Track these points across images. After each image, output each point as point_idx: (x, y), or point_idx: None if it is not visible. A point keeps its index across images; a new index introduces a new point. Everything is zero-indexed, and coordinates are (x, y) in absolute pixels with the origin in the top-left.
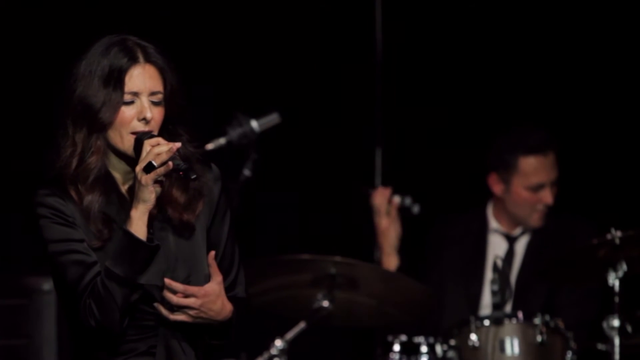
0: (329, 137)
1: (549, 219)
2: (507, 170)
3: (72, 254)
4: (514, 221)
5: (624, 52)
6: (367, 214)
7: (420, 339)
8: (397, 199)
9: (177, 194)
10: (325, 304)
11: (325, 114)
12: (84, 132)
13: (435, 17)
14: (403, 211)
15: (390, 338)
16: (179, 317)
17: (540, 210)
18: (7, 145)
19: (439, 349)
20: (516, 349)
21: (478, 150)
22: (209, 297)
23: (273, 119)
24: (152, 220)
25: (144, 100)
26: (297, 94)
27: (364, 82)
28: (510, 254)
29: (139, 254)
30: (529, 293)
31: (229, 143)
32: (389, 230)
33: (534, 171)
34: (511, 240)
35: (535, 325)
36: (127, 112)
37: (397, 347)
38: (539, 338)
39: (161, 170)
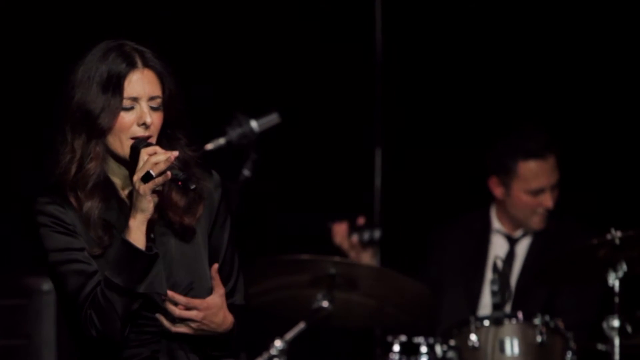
0: (329, 137)
1: (550, 222)
2: (507, 174)
3: (73, 263)
4: (516, 223)
5: (621, 53)
6: (368, 213)
7: (420, 339)
8: (354, 238)
9: (177, 198)
10: (325, 304)
11: (325, 114)
12: (83, 138)
13: (435, 17)
14: (367, 244)
15: (390, 338)
16: (181, 329)
17: (540, 213)
18: (7, 145)
19: (438, 349)
20: (516, 349)
21: (478, 150)
22: (211, 310)
23: (273, 119)
24: (153, 225)
25: (144, 105)
26: (297, 94)
27: (364, 82)
28: (511, 255)
29: (138, 264)
30: (529, 295)
31: (229, 143)
32: (361, 259)
33: (533, 176)
34: (512, 241)
35: (535, 326)
36: (126, 117)
37: (396, 347)
38: (538, 338)
39: (159, 180)
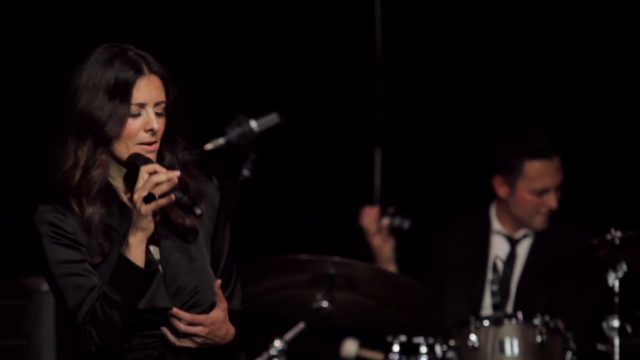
0: (328, 137)
1: (552, 223)
2: (512, 173)
3: (72, 277)
4: (517, 223)
5: (622, 54)
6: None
7: (419, 339)
8: (385, 221)
9: None
10: (325, 304)
11: (325, 114)
12: (89, 145)
13: (435, 17)
14: (394, 230)
15: (389, 338)
16: (185, 343)
17: (544, 213)
18: (7, 145)
19: (438, 349)
20: (516, 350)
21: (478, 150)
22: (215, 325)
23: (272, 119)
24: (156, 228)
25: (150, 111)
26: (297, 94)
27: (364, 82)
28: (512, 256)
29: (137, 282)
30: (530, 296)
31: (228, 143)
32: (383, 247)
33: (539, 176)
34: (513, 242)
35: (535, 326)
36: (133, 124)
37: (396, 348)
38: (538, 338)
39: (162, 202)
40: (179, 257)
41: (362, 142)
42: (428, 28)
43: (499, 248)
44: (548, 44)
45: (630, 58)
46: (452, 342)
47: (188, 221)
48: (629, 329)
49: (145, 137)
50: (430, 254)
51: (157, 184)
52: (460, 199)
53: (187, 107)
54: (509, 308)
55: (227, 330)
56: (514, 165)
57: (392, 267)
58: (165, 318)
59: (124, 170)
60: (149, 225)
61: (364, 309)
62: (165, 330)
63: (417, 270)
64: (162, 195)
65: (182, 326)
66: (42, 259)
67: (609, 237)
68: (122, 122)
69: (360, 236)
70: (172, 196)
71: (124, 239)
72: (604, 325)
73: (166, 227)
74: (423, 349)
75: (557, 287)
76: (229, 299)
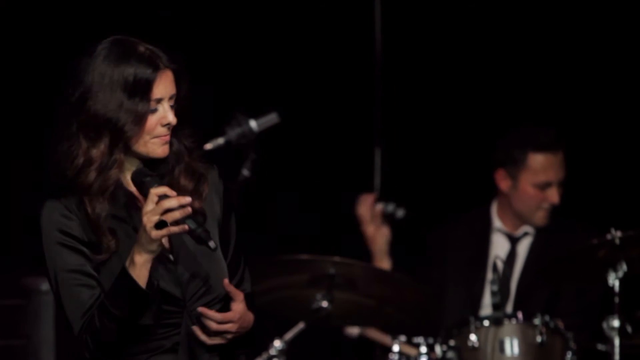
0: (328, 137)
1: (552, 221)
2: (515, 165)
3: (75, 287)
4: (519, 219)
5: (624, 53)
6: None
7: (419, 339)
8: (379, 206)
9: (185, 182)
10: (324, 304)
11: (325, 114)
12: (105, 143)
13: (435, 17)
14: (387, 217)
15: (389, 338)
16: (216, 340)
17: (545, 209)
18: (6, 145)
19: (438, 349)
20: (516, 350)
21: (478, 150)
22: (242, 318)
23: (272, 118)
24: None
25: (166, 105)
26: (297, 94)
27: (364, 82)
28: (512, 255)
29: (136, 301)
30: (530, 295)
31: (228, 143)
32: (376, 236)
33: (542, 168)
34: (514, 241)
35: (535, 326)
36: (151, 119)
37: (396, 347)
38: (538, 338)
39: (175, 229)
40: (189, 243)
41: (362, 141)
42: (428, 28)
43: (499, 247)
44: (549, 44)
45: (632, 58)
46: (452, 342)
47: (196, 203)
48: (629, 329)
49: (162, 131)
50: (430, 253)
51: (168, 210)
52: (460, 199)
53: (190, 96)
54: (509, 308)
55: (250, 319)
56: (517, 157)
57: (386, 260)
58: (177, 307)
59: (136, 162)
60: (157, 249)
61: (364, 309)
62: (196, 329)
63: (414, 268)
64: (175, 223)
65: (214, 325)
66: (45, 259)
67: (609, 237)
68: (143, 121)
69: (360, 236)
70: (186, 226)
71: (134, 230)
72: (604, 325)
73: None
74: (423, 349)
75: (557, 287)
76: (240, 283)
